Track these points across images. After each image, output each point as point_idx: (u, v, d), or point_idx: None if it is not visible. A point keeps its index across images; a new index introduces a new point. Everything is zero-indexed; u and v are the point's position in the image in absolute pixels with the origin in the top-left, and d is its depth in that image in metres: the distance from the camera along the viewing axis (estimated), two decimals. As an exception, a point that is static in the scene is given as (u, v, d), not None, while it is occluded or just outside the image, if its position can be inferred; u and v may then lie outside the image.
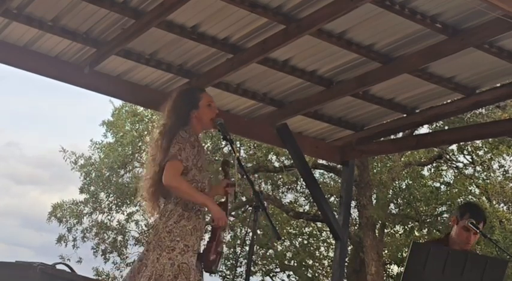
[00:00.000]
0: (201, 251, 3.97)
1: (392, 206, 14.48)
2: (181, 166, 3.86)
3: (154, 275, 3.77)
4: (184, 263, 3.79)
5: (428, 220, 13.91)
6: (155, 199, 4.04)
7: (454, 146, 13.96)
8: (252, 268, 3.98)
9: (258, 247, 15.41)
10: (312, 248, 15.94)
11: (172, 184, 3.85)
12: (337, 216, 6.99)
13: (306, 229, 16.14)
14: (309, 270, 15.85)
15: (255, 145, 14.13)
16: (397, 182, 14.35)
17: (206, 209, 3.97)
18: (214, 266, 3.97)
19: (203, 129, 4.19)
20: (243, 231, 15.20)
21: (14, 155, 28.87)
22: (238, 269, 15.16)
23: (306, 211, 15.39)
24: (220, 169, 4.31)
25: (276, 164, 14.56)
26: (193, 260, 3.85)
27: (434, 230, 13.72)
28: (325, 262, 15.82)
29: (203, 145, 4.26)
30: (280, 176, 15.18)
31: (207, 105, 4.13)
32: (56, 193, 29.34)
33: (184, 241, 3.84)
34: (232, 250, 15.21)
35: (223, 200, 4.14)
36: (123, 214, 16.05)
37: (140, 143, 15.42)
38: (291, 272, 16.15)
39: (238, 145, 14.20)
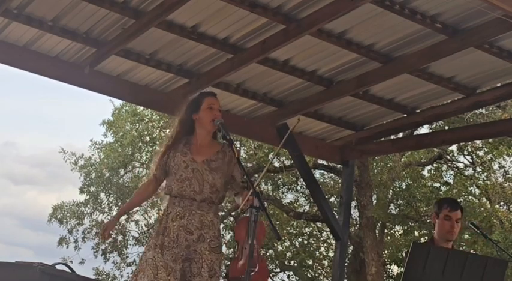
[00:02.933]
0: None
1: (392, 206, 14.46)
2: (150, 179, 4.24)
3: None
4: (150, 259, 3.95)
5: (428, 220, 13.90)
6: None
7: (454, 147, 13.95)
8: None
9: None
10: (312, 248, 15.93)
11: None
12: (337, 216, 6.99)
13: (306, 229, 16.13)
14: (309, 270, 15.84)
15: (256, 145, 14.12)
16: (397, 182, 14.34)
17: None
18: None
19: (207, 132, 4.18)
20: (243, 231, 15.14)
21: (12, 154, 28.90)
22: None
23: (306, 211, 15.38)
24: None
25: (276, 164, 14.55)
26: (161, 256, 3.94)
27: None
28: (325, 262, 15.81)
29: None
30: (280, 176, 15.18)
31: (207, 108, 4.13)
32: (54, 193, 29.35)
33: (154, 239, 4.03)
34: (232, 250, 15.20)
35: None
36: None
37: (140, 143, 15.42)
38: (291, 273, 16.14)
39: (238, 145, 14.19)
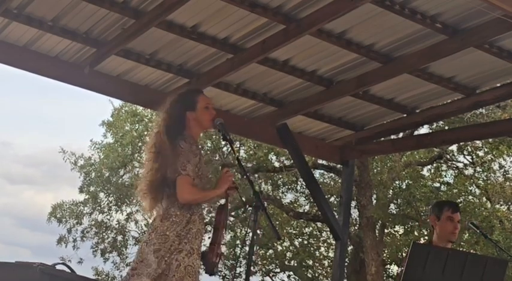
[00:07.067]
0: (202, 253, 4.01)
1: (392, 206, 14.46)
2: (190, 179, 3.88)
3: (160, 275, 3.83)
4: (189, 266, 3.87)
5: (428, 220, 13.88)
6: (157, 198, 4.02)
7: (454, 147, 13.96)
8: (252, 268, 4.00)
9: (258, 247, 15.40)
10: (312, 248, 15.92)
11: (188, 200, 3.91)
12: (337, 216, 6.98)
13: (306, 229, 16.13)
14: (309, 270, 15.83)
15: (255, 145, 14.12)
16: (397, 182, 14.34)
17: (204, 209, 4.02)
18: (216, 268, 4.02)
19: (202, 131, 4.20)
20: (243, 231, 15.19)
21: (10, 154, 28.90)
22: (238, 269, 15.15)
23: (306, 211, 15.38)
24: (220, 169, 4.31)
25: (276, 164, 14.55)
26: (198, 262, 3.92)
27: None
28: (325, 262, 15.80)
29: (202, 146, 4.21)
30: (280, 176, 15.18)
31: (204, 108, 4.08)
32: (51, 193, 29.38)
33: (191, 243, 3.90)
34: (232, 250, 15.20)
35: (223, 202, 4.14)
36: (122, 214, 16.07)
37: (140, 143, 15.42)
38: (291, 273, 16.14)
39: (238, 145, 14.19)
